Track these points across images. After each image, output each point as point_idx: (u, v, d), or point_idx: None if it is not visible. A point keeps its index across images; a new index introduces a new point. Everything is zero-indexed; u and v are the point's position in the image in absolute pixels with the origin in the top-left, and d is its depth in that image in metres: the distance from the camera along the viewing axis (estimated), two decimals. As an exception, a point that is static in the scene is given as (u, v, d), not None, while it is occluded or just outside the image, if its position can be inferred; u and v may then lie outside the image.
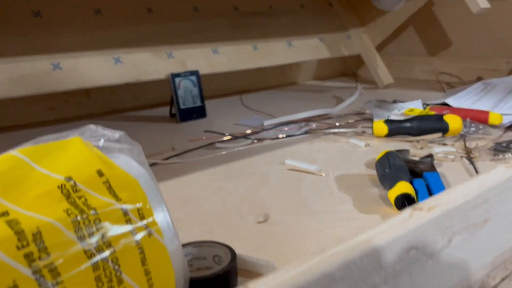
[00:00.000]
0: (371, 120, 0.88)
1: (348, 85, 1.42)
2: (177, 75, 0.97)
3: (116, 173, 0.30)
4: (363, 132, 0.80)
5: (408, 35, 1.50)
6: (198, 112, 0.99)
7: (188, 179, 0.61)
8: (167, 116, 1.03)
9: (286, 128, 0.87)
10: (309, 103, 1.12)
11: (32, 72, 0.82)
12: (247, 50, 1.13)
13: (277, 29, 1.22)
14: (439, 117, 0.73)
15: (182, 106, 0.97)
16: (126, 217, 0.28)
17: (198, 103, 0.99)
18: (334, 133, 0.80)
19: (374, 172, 0.59)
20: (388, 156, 0.55)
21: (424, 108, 0.90)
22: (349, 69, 1.64)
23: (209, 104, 1.13)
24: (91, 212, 0.27)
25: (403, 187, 0.48)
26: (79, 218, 0.26)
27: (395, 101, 0.98)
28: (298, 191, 0.55)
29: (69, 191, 0.27)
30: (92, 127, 0.33)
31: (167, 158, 0.70)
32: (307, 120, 0.92)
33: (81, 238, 0.26)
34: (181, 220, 0.48)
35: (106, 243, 0.26)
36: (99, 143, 0.32)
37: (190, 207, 0.52)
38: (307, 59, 1.26)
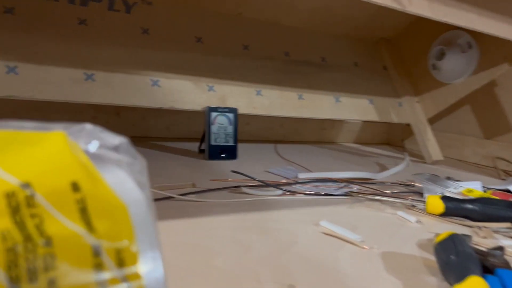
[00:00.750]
0: (420, 194, 0.77)
1: (391, 154, 1.31)
2: (214, 109, 0.89)
3: (100, 192, 0.21)
4: (413, 206, 0.68)
5: (463, 113, 1.40)
6: (228, 152, 0.91)
7: (202, 222, 0.52)
8: (196, 151, 0.95)
9: (322, 186, 0.77)
10: (348, 165, 1.02)
11: (63, 78, 0.77)
12: (291, 98, 1.06)
13: (326, 82, 1.15)
14: (510, 204, 0.61)
15: (213, 143, 0.89)
16: (96, 259, 0.19)
17: (231, 143, 0.91)
18: (380, 201, 0.70)
19: (429, 256, 0.48)
20: (453, 239, 0.44)
21: (485, 192, 0.78)
22: (395, 138, 1.54)
23: (241, 147, 1.05)
24: (43, 241, 0.18)
25: (476, 284, 0.36)
26: (19, 248, 0.17)
27: (449, 178, 0.87)
28: (334, 263, 0.44)
29: (19, 204, 0.18)
30: (89, 127, 0.25)
31: (185, 194, 0.61)
32: (348, 181, 0.82)
33: (14, 283, 0.16)
34: (180, 272, 0.38)
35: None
36: (90, 147, 0.23)
37: (197, 258, 0.42)
38: (353, 119, 1.17)
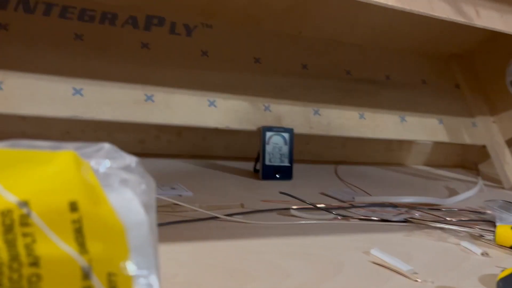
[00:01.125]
0: (492, 223, 0.69)
1: (464, 177, 1.21)
2: (269, 129, 0.89)
3: (99, 213, 0.20)
4: (481, 236, 0.62)
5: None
6: (283, 173, 0.89)
7: (242, 244, 0.50)
8: (251, 171, 0.94)
9: (380, 211, 0.72)
10: (415, 189, 0.96)
11: (124, 99, 0.81)
12: (352, 117, 1.02)
13: (391, 101, 1.10)
14: None
15: (267, 163, 0.88)
16: (85, 282, 0.18)
17: (286, 163, 0.90)
18: (442, 229, 0.64)
19: (493, 295, 0.42)
20: (519, 277, 0.39)
21: None
22: (469, 161, 1.43)
23: (299, 167, 1.02)
24: (29, 261, 0.17)
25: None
26: (4, 268, 0.17)
27: (527, 206, 0.78)
28: (379, 295, 0.41)
29: (13, 222, 0.18)
30: (107, 146, 0.25)
31: (231, 215, 0.60)
32: (410, 206, 0.76)
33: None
34: (213, 297, 0.37)
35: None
36: (100, 166, 0.23)
37: (230, 282, 0.41)
38: (420, 139, 1.11)
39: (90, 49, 0.82)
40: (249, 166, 1.00)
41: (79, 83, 0.78)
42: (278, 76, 0.99)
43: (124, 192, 0.22)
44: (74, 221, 0.19)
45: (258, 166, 0.90)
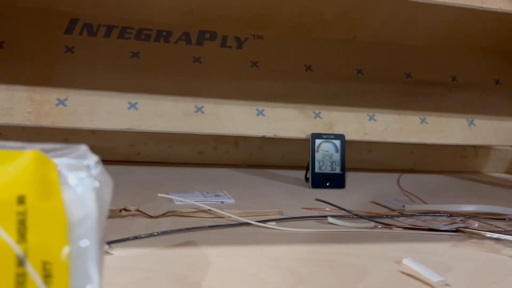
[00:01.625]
0: None
1: (552, 186, 1.08)
2: (319, 136, 0.87)
3: (47, 206, 0.22)
4: (544, 248, 0.55)
5: None
6: (335, 181, 0.87)
7: (267, 250, 0.50)
8: (303, 179, 0.93)
9: (432, 220, 0.67)
10: (486, 199, 0.88)
11: (175, 111, 0.85)
12: (412, 122, 0.97)
13: (457, 103, 1.02)
14: None
15: (317, 170, 0.86)
16: (19, 269, 0.20)
17: (337, 171, 0.87)
18: (497, 240, 0.58)
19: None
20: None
21: None
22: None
23: (358, 176, 1.00)
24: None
25: None
26: None
27: None
28: (395, 306, 0.38)
29: (-39, 212, 0.20)
30: (82, 148, 0.27)
31: (265, 221, 0.60)
32: (468, 215, 0.70)
33: None
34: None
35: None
36: (64, 165, 0.25)
37: (238, 286, 0.41)
38: (491, 144, 1.01)
39: (145, 65, 0.88)
40: (302, 174, 1.00)
41: (134, 98, 0.84)
42: (330, 83, 0.97)
43: (78, 189, 0.23)
44: (19, 213, 0.21)
45: (308, 174, 0.89)
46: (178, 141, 1.06)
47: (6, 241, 0.20)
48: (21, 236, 0.20)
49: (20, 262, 0.20)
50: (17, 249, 0.20)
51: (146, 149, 1.03)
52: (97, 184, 0.24)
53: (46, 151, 0.25)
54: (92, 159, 0.25)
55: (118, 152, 1.01)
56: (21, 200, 0.21)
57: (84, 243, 0.22)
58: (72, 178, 0.24)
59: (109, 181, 0.25)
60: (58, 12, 0.88)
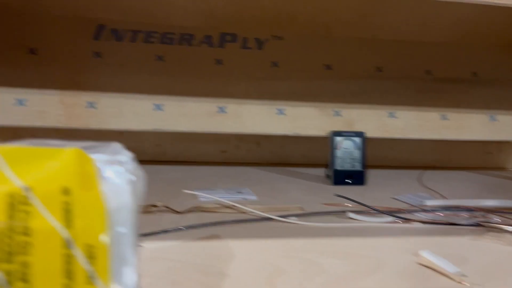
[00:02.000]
0: None
1: None
2: (339, 133, 0.89)
3: (89, 197, 0.25)
4: None
5: None
6: (355, 177, 0.88)
7: (287, 243, 0.52)
8: (324, 176, 0.95)
9: (452, 215, 0.68)
10: (510, 194, 0.88)
11: (199, 112, 0.88)
12: (432, 119, 0.97)
13: (478, 99, 1.02)
14: None
15: (337, 168, 0.88)
16: (65, 250, 0.22)
17: (358, 168, 0.89)
18: (516, 234, 0.58)
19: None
20: None
21: None
22: None
23: (379, 173, 1.01)
24: (23, 231, 0.22)
25: None
26: (1, 235, 0.22)
27: None
28: (411, 294, 0.40)
29: (16, 201, 0.23)
30: (114, 145, 0.29)
31: (286, 216, 0.62)
32: (489, 210, 0.70)
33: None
34: (237, 285, 0.40)
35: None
36: (101, 160, 0.27)
37: (260, 275, 0.43)
38: (514, 139, 1.01)
39: (169, 68, 0.92)
40: (323, 172, 1.01)
41: (159, 99, 0.87)
42: (350, 81, 0.98)
43: (115, 181, 0.26)
44: (64, 202, 0.24)
45: (329, 171, 0.90)
46: (202, 140, 1.09)
47: (54, 226, 0.23)
48: (67, 222, 0.23)
49: (67, 245, 0.23)
50: (65, 233, 0.23)
51: (171, 149, 1.07)
52: (132, 177, 0.27)
53: (84, 148, 0.28)
54: (126, 154, 0.28)
55: (145, 152, 1.05)
56: (66, 191, 0.24)
57: (122, 229, 0.24)
58: (109, 171, 0.27)
59: (142, 175, 0.28)
60: (86, 19, 0.92)
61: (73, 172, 0.25)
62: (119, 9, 0.94)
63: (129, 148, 0.93)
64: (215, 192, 0.75)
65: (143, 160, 0.96)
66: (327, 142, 1.15)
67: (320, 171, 1.04)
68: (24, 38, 0.89)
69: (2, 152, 0.25)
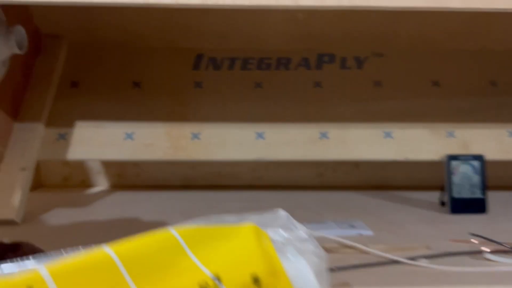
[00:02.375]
0: None
1: None
2: (455, 157, 0.81)
3: (278, 285, 0.22)
4: None
5: None
6: (475, 206, 0.80)
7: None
8: (436, 203, 0.87)
9: None
10: None
11: (300, 138, 0.85)
12: (561, 136, 0.86)
13: None
14: None
15: (455, 195, 0.80)
16: None
17: (478, 195, 0.80)
18: None
19: None
20: None
21: None
22: None
23: (497, 196, 0.91)
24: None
25: None
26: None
27: None
28: None
29: (205, 292, 0.21)
30: (283, 215, 0.27)
31: (415, 258, 0.57)
32: None
33: None
34: None
35: None
36: (277, 236, 0.25)
37: None
38: None
39: (268, 94, 0.90)
40: (433, 197, 0.93)
41: (260, 127, 0.86)
42: (461, 98, 0.90)
43: (299, 263, 0.24)
44: (255, 294, 0.21)
45: (445, 198, 0.83)
46: (298, 165, 1.06)
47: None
48: (260, 318, 0.21)
49: None
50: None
51: (267, 174, 1.05)
52: (315, 258, 0.24)
53: (256, 222, 0.26)
54: (305, 230, 0.25)
55: (242, 177, 1.04)
56: (256, 279, 0.22)
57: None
58: (290, 251, 0.24)
59: (323, 254, 0.25)
60: (185, 49, 0.94)
61: (258, 256, 0.23)
62: (216, 36, 0.94)
63: (227, 173, 0.92)
64: (326, 226, 0.71)
65: (239, 185, 0.94)
66: (431, 162, 1.07)
67: (428, 196, 0.96)
68: (128, 72, 0.92)
69: (182, 234, 0.23)
